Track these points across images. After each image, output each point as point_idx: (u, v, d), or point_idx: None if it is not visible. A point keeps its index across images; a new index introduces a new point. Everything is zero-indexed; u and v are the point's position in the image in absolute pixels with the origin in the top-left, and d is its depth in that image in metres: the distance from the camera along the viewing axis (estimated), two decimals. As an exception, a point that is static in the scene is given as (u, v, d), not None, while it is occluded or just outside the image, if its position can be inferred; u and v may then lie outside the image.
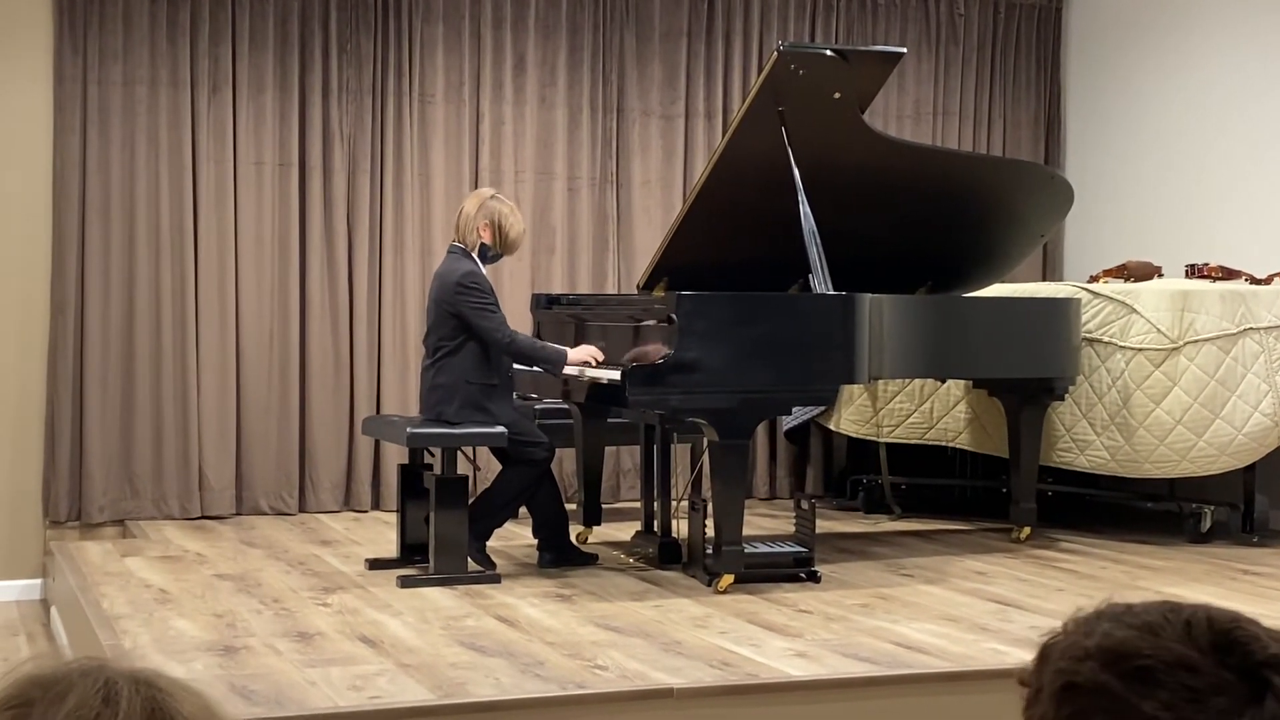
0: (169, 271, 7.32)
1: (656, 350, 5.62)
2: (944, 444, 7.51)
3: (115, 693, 1.15)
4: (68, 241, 7.17)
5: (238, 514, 7.43)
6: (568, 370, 5.83)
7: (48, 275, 7.17)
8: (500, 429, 5.76)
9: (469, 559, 5.71)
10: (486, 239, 5.90)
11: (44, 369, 7.19)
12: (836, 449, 8.23)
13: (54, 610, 6.51)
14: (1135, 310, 6.70)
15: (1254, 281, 7.15)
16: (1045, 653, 1.27)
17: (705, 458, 5.84)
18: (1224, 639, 1.19)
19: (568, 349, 5.85)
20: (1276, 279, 7.13)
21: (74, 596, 5.71)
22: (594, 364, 5.82)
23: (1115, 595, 1.33)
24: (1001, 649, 4.63)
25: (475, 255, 5.89)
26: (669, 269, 6.28)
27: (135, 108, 7.26)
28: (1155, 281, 7.24)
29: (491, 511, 5.92)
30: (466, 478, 5.81)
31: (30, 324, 7.17)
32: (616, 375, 5.51)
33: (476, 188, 7.71)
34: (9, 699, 1.16)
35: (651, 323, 5.81)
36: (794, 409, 7.41)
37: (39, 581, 7.12)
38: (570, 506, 6.33)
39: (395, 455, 7.23)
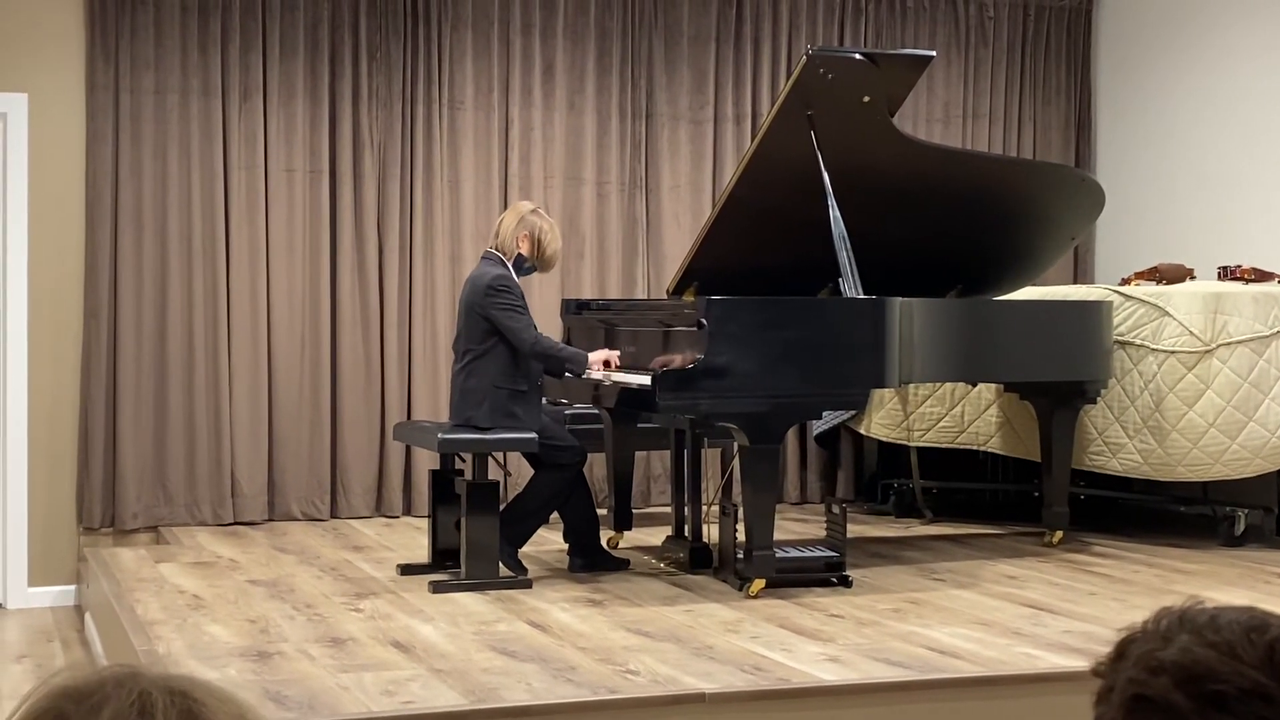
0: (201, 278, 7.36)
1: (687, 358, 5.62)
2: (975, 448, 7.48)
3: (150, 704, 1.14)
4: (100, 249, 7.21)
5: (270, 520, 7.46)
6: (592, 375, 5.84)
7: (81, 282, 7.22)
8: (531, 434, 5.77)
9: (500, 564, 5.72)
10: (524, 251, 5.93)
11: (77, 376, 7.23)
12: (867, 453, 8.22)
13: (88, 616, 6.54)
14: (1167, 313, 6.67)
15: (1287, 283, 7.11)
16: (1122, 650, 1.23)
17: (736, 462, 5.83)
18: None
19: (589, 352, 5.87)
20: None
21: (108, 602, 5.74)
22: (614, 365, 5.83)
23: (1200, 594, 1.28)
24: (1034, 653, 4.60)
25: (510, 265, 5.91)
26: (698, 273, 6.28)
27: (167, 116, 7.30)
28: (1187, 284, 7.20)
29: (525, 516, 5.93)
30: (497, 483, 5.82)
31: (64, 331, 7.21)
32: (646, 380, 5.51)
33: (506, 193, 7.75)
34: (43, 712, 1.15)
35: (681, 327, 5.81)
36: (824, 413, 7.40)
37: (73, 588, 7.16)
38: (601, 511, 6.33)
39: (426, 460, 7.25)
